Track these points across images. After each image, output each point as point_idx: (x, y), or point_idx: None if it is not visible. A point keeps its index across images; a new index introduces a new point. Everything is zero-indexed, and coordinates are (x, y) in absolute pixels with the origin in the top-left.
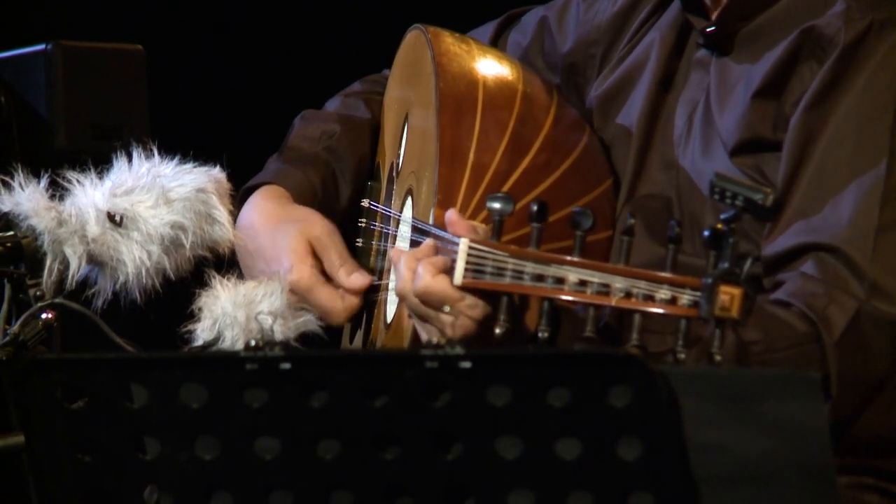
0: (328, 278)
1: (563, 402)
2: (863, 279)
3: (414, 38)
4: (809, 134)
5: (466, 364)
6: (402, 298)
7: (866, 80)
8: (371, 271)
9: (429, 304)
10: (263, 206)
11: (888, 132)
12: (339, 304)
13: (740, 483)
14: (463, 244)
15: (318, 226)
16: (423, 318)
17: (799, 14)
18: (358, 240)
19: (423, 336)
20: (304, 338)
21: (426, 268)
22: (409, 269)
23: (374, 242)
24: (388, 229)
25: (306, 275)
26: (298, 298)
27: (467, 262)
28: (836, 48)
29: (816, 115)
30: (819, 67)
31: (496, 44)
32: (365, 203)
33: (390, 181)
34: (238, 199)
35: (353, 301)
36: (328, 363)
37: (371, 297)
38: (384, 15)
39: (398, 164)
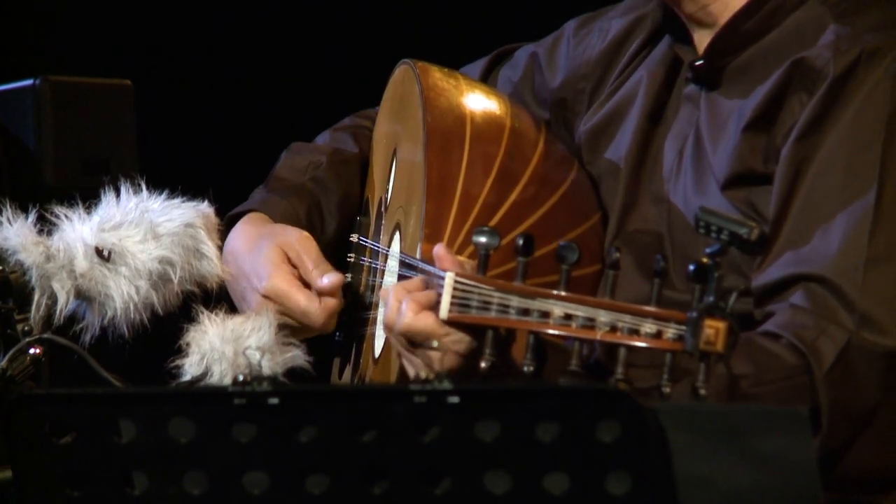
0: (307, 286)
1: (552, 436)
2: (852, 310)
3: (402, 73)
4: (799, 165)
5: (455, 399)
6: (388, 331)
7: (856, 111)
8: (360, 307)
9: (414, 340)
10: (245, 232)
11: (877, 162)
12: (315, 305)
13: None
14: (449, 278)
15: (291, 234)
16: (408, 353)
17: (788, 46)
18: (347, 274)
19: (410, 370)
20: (293, 373)
21: (409, 305)
22: (397, 302)
23: (362, 277)
24: (377, 264)
25: (282, 280)
26: (277, 304)
27: (453, 297)
28: (825, 80)
29: (806, 146)
30: (809, 99)
31: (487, 79)
32: (354, 238)
33: (379, 216)
34: (223, 226)
35: (331, 302)
36: (316, 398)
37: (360, 332)
38: (373, 51)
39: (387, 198)
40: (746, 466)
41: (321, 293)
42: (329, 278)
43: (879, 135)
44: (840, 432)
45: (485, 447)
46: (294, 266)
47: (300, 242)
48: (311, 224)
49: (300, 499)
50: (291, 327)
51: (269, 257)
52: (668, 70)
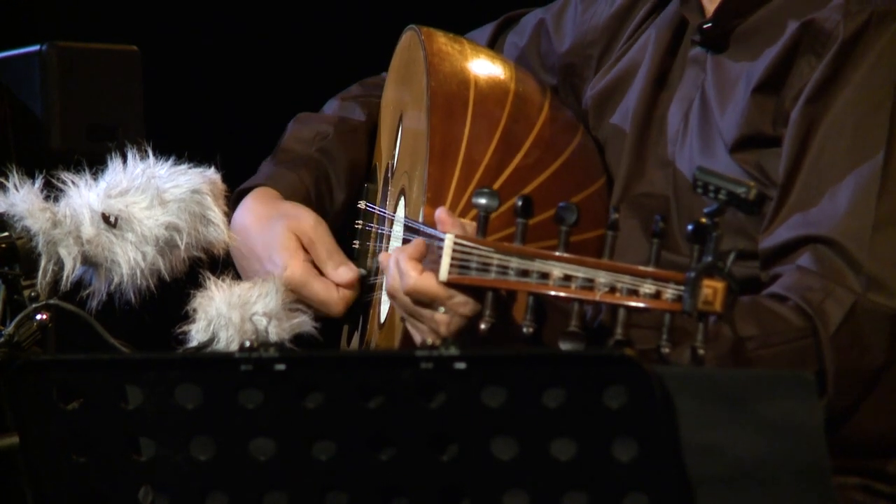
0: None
1: (558, 402)
2: (859, 272)
3: (408, 39)
4: (808, 127)
5: (461, 365)
6: (391, 297)
7: (864, 74)
8: (367, 272)
9: (419, 302)
10: (254, 208)
11: (886, 125)
12: (334, 295)
13: (735, 483)
14: (448, 240)
15: (304, 220)
16: (414, 317)
17: (797, 8)
18: (355, 241)
19: (415, 335)
20: (299, 339)
21: (413, 266)
22: (397, 266)
23: (370, 244)
24: (384, 230)
25: (299, 270)
26: (294, 293)
27: (452, 258)
28: (834, 42)
29: (815, 108)
30: (818, 62)
31: (494, 45)
32: (361, 205)
33: (385, 182)
34: (231, 201)
35: (349, 294)
36: (323, 364)
37: (366, 298)
38: (382, 17)
39: (393, 164)
40: (752, 432)
41: (339, 286)
42: (345, 273)
43: (888, 97)
44: (845, 395)
45: (491, 413)
46: (308, 252)
47: (314, 230)
48: (319, 195)
49: (307, 465)
50: None
51: (284, 243)
52: (675, 34)
